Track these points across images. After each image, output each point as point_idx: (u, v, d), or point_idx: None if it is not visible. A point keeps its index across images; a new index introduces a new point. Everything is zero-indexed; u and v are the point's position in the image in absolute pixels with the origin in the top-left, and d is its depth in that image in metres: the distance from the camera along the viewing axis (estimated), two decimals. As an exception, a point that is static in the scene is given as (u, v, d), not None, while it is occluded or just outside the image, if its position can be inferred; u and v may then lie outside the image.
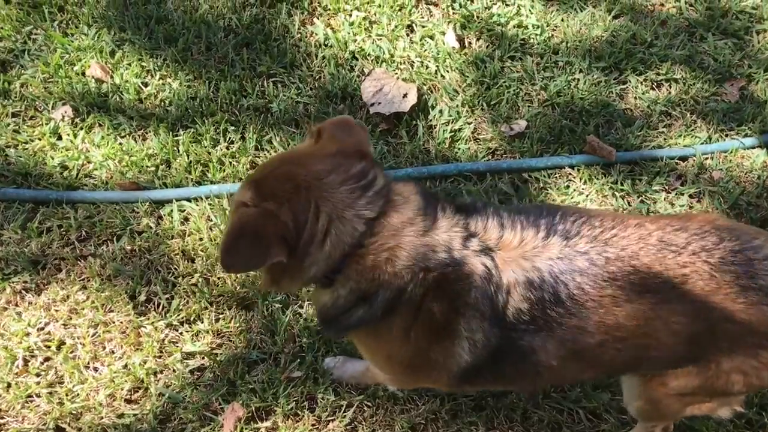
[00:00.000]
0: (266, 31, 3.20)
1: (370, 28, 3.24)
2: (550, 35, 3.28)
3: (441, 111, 3.05)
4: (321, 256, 1.66)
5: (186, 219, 2.72)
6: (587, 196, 2.88)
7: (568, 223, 1.79)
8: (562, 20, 3.31)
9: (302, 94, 3.06)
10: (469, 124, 3.04)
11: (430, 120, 3.04)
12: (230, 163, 2.85)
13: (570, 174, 2.93)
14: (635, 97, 3.12)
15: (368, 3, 3.29)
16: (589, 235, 1.77)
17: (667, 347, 1.78)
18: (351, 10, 3.27)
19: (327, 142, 1.73)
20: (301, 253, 1.65)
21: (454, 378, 1.89)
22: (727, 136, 3.03)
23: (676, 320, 1.74)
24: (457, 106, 3.07)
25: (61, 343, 2.46)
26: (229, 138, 2.91)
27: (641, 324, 1.74)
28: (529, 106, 3.09)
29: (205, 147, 2.88)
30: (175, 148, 2.87)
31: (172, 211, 2.71)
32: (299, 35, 3.21)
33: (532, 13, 3.32)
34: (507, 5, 3.35)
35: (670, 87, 3.16)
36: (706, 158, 2.96)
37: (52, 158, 2.83)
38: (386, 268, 1.68)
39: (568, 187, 2.90)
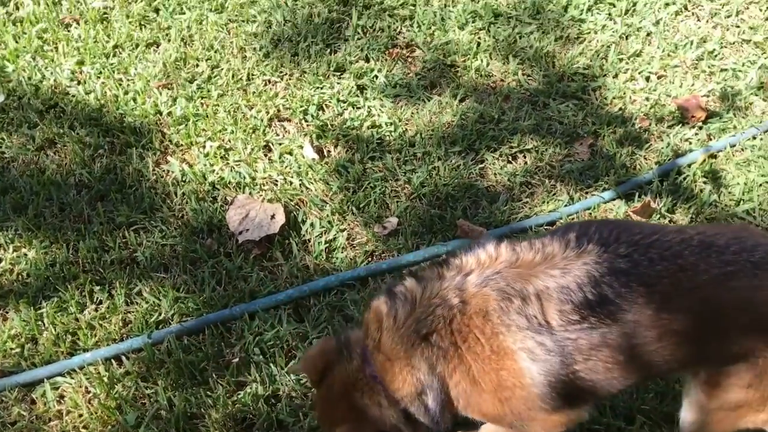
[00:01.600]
0: (120, 179, 3.12)
1: (226, 156, 3.22)
2: (404, 130, 3.36)
3: (312, 224, 3.03)
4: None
5: (62, 396, 2.53)
6: (470, 279, 2.89)
7: (605, 232, 1.91)
8: (412, 114, 3.40)
9: (167, 236, 2.97)
10: (343, 231, 3.03)
11: (303, 235, 3.01)
12: (101, 325, 2.70)
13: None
14: (495, 174, 3.21)
15: (220, 131, 3.28)
16: (628, 240, 1.88)
17: (717, 342, 1.90)
18: (204, 142, 3.25)
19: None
20: None
21: (550, 398, 1.90)
22: (587, 193, 3.15)
23: (724, 315, 1.87)
24: (328, 216, 3.06)
25: None
26: (97, 299, 2.78)
27: (692, 320, 1.85)
28: (397, 202, 3.12)
29: (72, 314, 2.72)
30: (40, 323, 2.70)
31: (45, 392, 2.53)
32: (155, 177, 3.15)
33: (382, 112, 3.40)
34: (357, 108, 3.42)
35: (525, 157, 3.27)
36: (572, 219, 3.06)
37: None
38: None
39: (449, 274, 2.91)
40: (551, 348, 1.85)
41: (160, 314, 2.75)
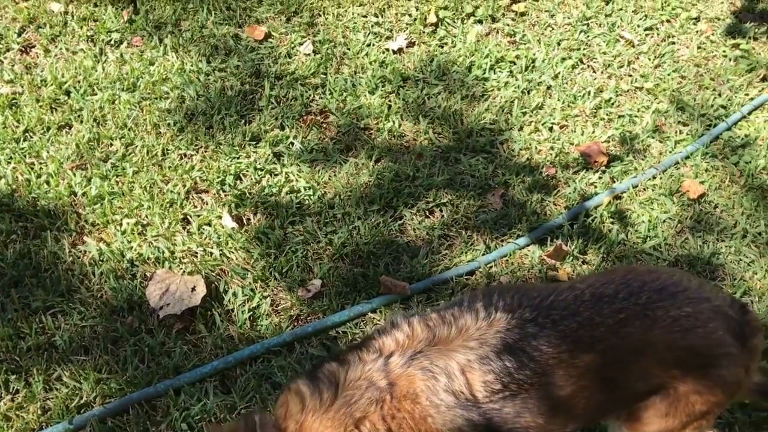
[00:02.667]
0: (35, 263, 3.06)
1: (144, 232, 3.20)
2: (322, 193, 3.42)
3: (234, 293, 3.02)
4: None
5: (-24, 495, 2.41)
6: (396, 334, 2.92)
7: (508, 299, 1.99)
8: (330, 177, 3.47)
9: (86, 317, 2.91)
10: (266, 297, 3.03)
11: (226, 305, 2.99)
12: (18, 415, 2.60)
13: (374, 318, 2.98)
14: (413, 229, 3.29)
15: (137, 208, 3.27)
16: (530, 305, 1.98)
17: (626, 384, 2.02)
18: (120, 219, 3.23)
19: None
20: None
21: None
22: (502, 241, 3.25)
23: (627, 359, 1.98)
24: (250, 283, 3.06)
25: None
26: (13, 388, 2.68)
27: (599, 370, 1.95)
28: (320, 264, 3.14)
29: (-14, 406, 2.62)
30: (-49, 418, 2.58)
31: (-43, 491, 2.40)
32: (71, 258, 3.10)
33: (300, 177, 3.45)
34: (275, 175, 3.47)
35: (441, 211, 3.37)
36: (491, 267, 3.14)
37: None
38: None
39: (375, 331, 2.94)
40: (479, 422, 1.90)
41: (81, 398, 2.68)
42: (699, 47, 4.17)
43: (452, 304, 2.08)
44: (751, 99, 3.90)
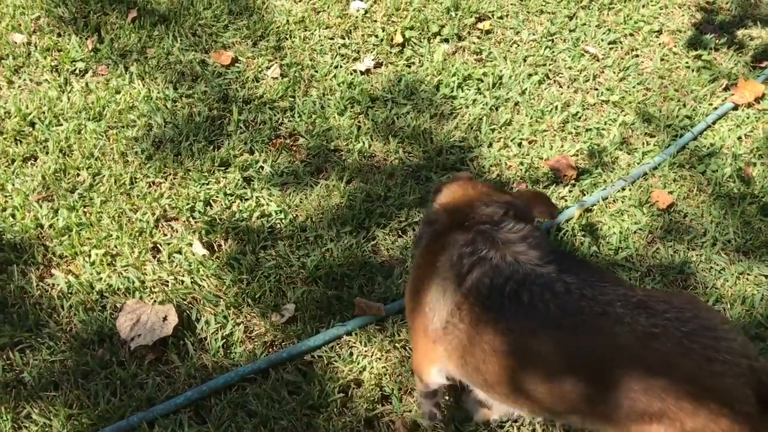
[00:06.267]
0: (1, 299, 2.99)
1: (113, 262, 3.16)
2: (294, 216, 3.40)
3: (207, 321, 2.98)
4: None
5: None
6: (372, 356, 2.90)
7: (574, 266, 2.10)
8: (301, 200, 3.45)
9: (56, 352, 2.85)
10: (239, 324, 2.99)
11: (199, 333, 2.95)
12: (-15, 456, 2.54)
13: (349, 341, 2.95)
14: (387, 249, 3.28)
15: (106, 238, 3.22)
16: (580, 277, 2.04)
17: (621, 392, 1.94)
18: (89, 250, 3.18)
19: None
20: None
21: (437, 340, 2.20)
22: (476, 258, 3.25)
23: (633, 368, 1.92)
24: (222, 311, 3.02)
25: None
26: (-21, 428, 2.61)
27: (595, 359, 1.95)
28: (293, 288, 3.12)
29: (-48, 448, 2.55)
30: None
31: None
32: (39, 292, 3.04)
33: (271, 201, 3.43)
34: (245, 200, 3.44)
35: (414, 230, 3.36)
36: (465, 284, 3.13)
37: None
38: None
39: (351, 354, 2.92)
40: (450, 301, 2.17)
41: (51, 436, 2.62)
42: (662, 59, 4.24)
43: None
44: (715, 108, 3.96)
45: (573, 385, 2.00)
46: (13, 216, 3.28)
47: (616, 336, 1.94)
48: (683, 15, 4.54)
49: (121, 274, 3.11)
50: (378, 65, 4.10)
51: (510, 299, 2.05)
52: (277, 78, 3.98)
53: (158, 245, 3.23)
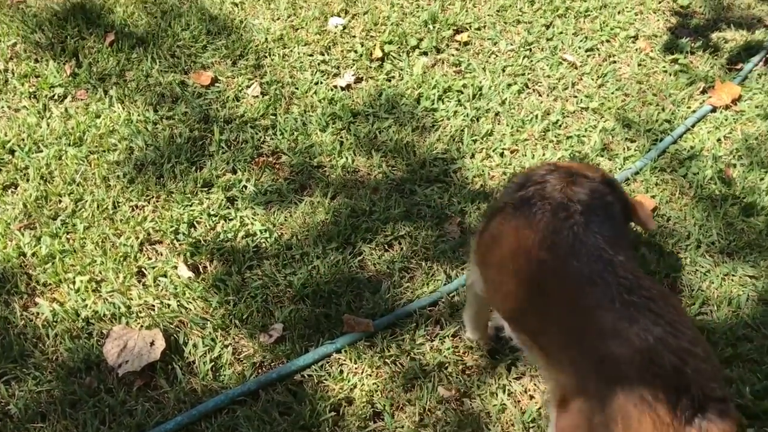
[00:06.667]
0: (-16, 330, 2.96)
1: (98, 288, 3.13)
2: (279, 234, 3.38)
3: (195, 345, 2.96)
4: None
5: None
6: (362, 373, 2.89)
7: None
8: (286, 218, 3.44)
9: (42, 382, 2.82)
10: (227, 346, 2.97)
11: (187, 357, 2.93)
12: (-27, 491, 2.50)
13: (339, 359, 2.94)
14: (374, 264, 3.27)
15: (90, 264, 3.19)
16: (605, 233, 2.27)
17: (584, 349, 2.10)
18: (73, 277, 3.15)
19: None
20: None
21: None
22: (462, 269, 3.25)
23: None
24: (210, 333, 3.00)
25: None
26: (-34, 463, 2.57)
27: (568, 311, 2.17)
28: (281, 307, 3.10)
29: (-61, 485, 2.50)
30: None
31: None
32: (23, 322, 3.01)
33: (255, 220, 3.42)
34: (230, 220, 3.43)
35: (401, 244, 3.36)
36: (453, 296, 3.14)
37: None
38: None
39: (341, 371, 2.90)
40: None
41: (39, 468, 2.58)
42: (639, 64, 4.27)
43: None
44: (694, 111, 4.00)
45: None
46: (-5, 245, 3.25)
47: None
48: (658, 20, 4.59)
49: (107, 299, 3.09)
50: (358, 80, 4.11)
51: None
52: (257, 96, 3.98)
53: (143, 269, 3.21)
